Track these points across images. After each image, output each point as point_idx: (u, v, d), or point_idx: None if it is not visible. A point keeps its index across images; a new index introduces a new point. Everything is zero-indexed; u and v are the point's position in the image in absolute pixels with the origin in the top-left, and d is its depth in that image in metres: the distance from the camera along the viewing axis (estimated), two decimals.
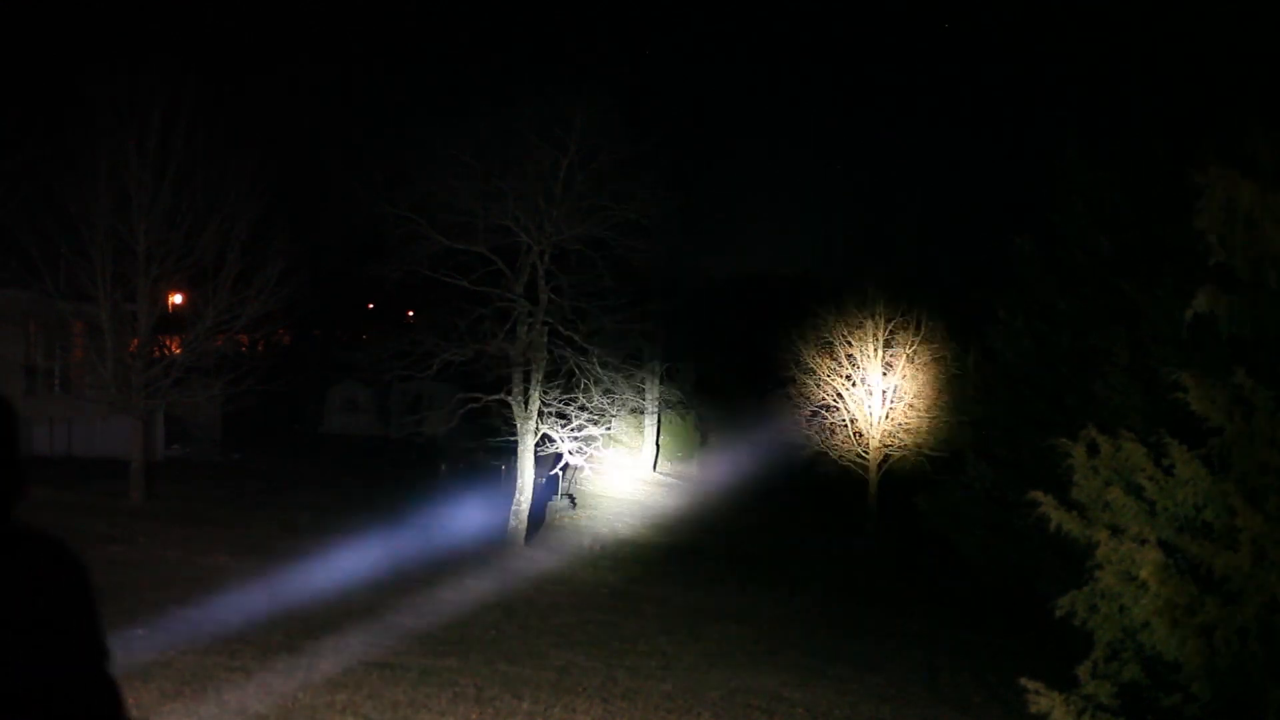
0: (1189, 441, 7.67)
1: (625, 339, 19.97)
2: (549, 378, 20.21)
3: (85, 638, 2.04)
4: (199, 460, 26.00)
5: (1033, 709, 7.82)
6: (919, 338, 27.47)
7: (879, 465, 28.24)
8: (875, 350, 27.88)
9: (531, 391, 19.79)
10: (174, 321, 22.45)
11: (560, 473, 26.05)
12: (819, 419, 29.04)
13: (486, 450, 22.90)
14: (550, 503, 24.98)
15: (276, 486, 23.13)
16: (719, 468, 35.00)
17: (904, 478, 28.97)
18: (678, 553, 22.57)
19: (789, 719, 10.82)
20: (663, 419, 34.26)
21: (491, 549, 19.13)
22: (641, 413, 32.78)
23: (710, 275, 38.44)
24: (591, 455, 20.61)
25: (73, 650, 2.01)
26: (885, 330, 27.86)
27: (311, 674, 9.74)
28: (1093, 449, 8.69)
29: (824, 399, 28.79)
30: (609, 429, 20.85)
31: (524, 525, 20.07)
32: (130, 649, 9.41)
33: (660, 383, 28.74)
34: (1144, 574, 7.45)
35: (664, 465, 34.73)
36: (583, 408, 20.42)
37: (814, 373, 28.81)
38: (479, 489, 24.15)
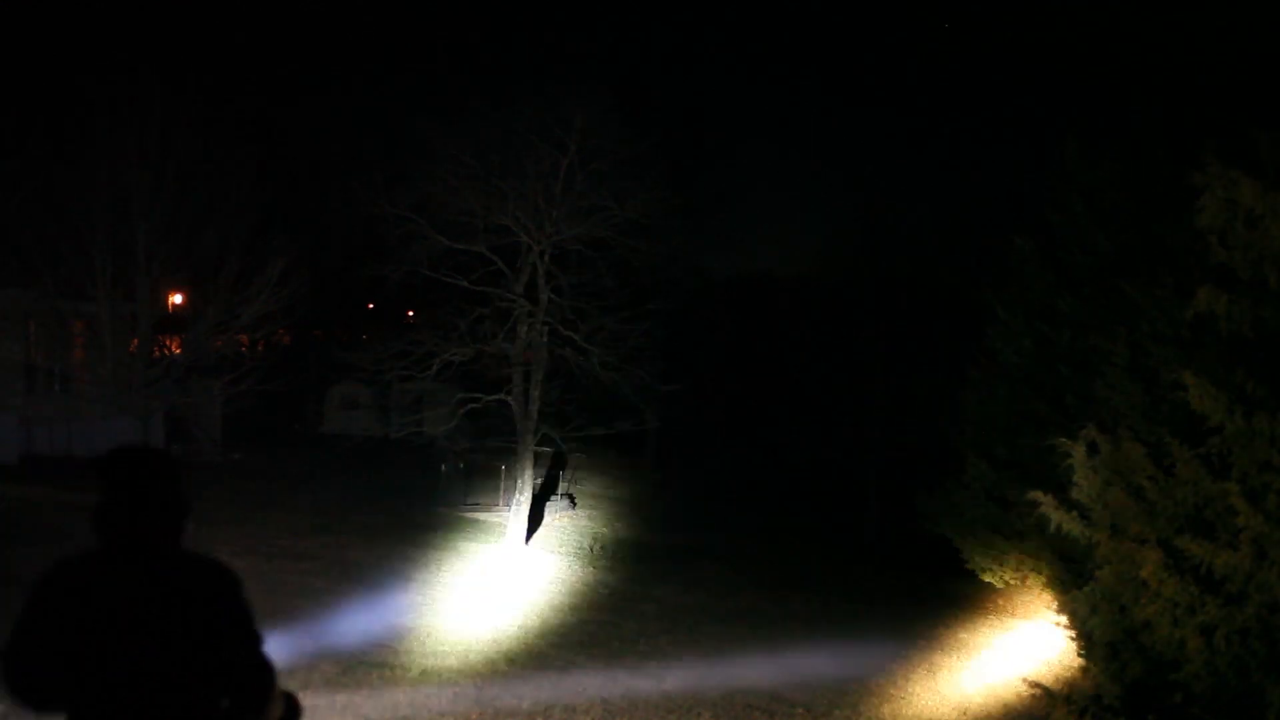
0: (1189, 441, 7.67)
1: (625, 339, 19.93)
2: (549, 378, 20.20)
3: (242, 628, 2.74)
4: (199, 460, 25.97)
5: (1033, 709, 7.83)
6: None
7: (879, 464, 28.20)
8: None
9: (531, 391, 19.78)
10: (174, 321, 22.44)
11: (560, 472, 26.06)
12: (819, 417, 29.02)
13: (486, 450, 22.89)
14: (550, 502, 24.97)
15: (276, 486, 23.12)
16: (717, 466, 35.01)
17: (903, 474, 28.93)
18: (678, 552, 22.56)
19: (789, 719, 10.83)
20: (663, 419, 34.22)
21: (491, 549, 19.13)
22: (642, 412, 32.75)
23: (710, 275, 38.39)
24: (591, 455, 20.61)
25: (235, 637, 2.71)
26: None
27: (311, 674, 9.74)
28: (1093, 449, 8.69)
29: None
30: (609, 429, 20.84)
31: (524, 525, 20.07)
32: None
33: (660, 383, 28.72)
34: (1144, 574, 7.46)
35: (664, 465, 34.71)
36: (583, 408, 20.40)
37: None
38: (478, 489, 24.15)
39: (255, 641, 2.75)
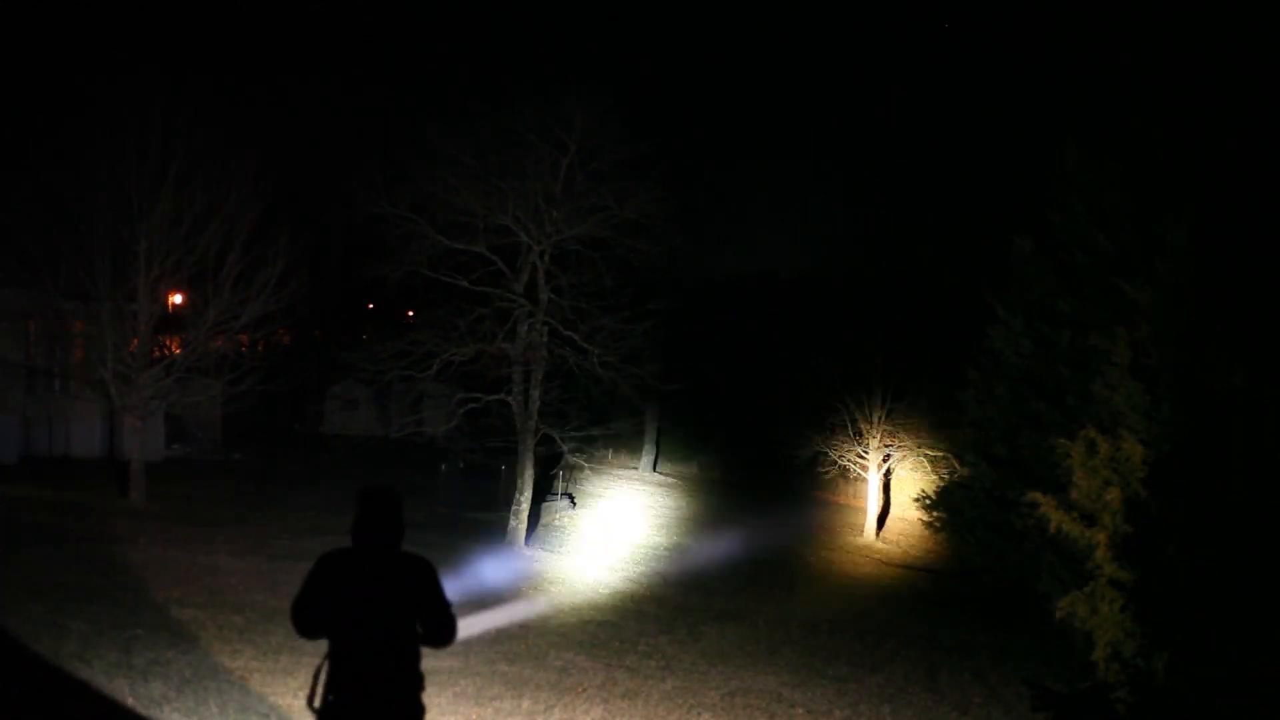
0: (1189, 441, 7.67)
1: (625, 338, 19.94)
2: (549, 378, 20.19)
3: (435, 593, 4.51)
4: (199, 460, 25.98)
5: (1034, 710, 7.82)
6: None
7: (880, 464, 28.26)
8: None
9: (531, 391, 19.78)
10: (174, 321, 22.42)
11: (560, 472, 26.05)
12: (819, 418, 29.02)
13: (486, 450, 22.91)
14: (550, 502, 24.96)
15: (277, 486, 23.13)
16: (719, 468, 35.01)
17: (904, 478, 28.96)
18: (678, 553, 22.57)
19: (789, 719, 10.83)
20: (663, 419, 34.26)
21: (491, 549, 19.13)
22: (642, 412, 32.75)
23: (710, 275, 38.39)
24: (591, 455, 20.60)
25: (434, 606, 4.51)
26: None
27: (309, 676, 9.74)
28: (1092, 449, 8.70)
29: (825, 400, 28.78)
30: (609, 429, 20.83)
31: (524, 525, 20.07)
32: (130, 649, 9.40)
33: (660, 383, 28.76)
34: None
35: (664, 465, 34.73)
36: (583, 408, 20.39)
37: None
38: (478, 488, 24.14)
39: (443, 600, 4.52)
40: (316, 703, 4.61)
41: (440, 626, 4.55)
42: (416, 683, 4.63)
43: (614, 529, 24.10)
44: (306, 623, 4.62)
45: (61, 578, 12.04)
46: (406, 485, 25.07)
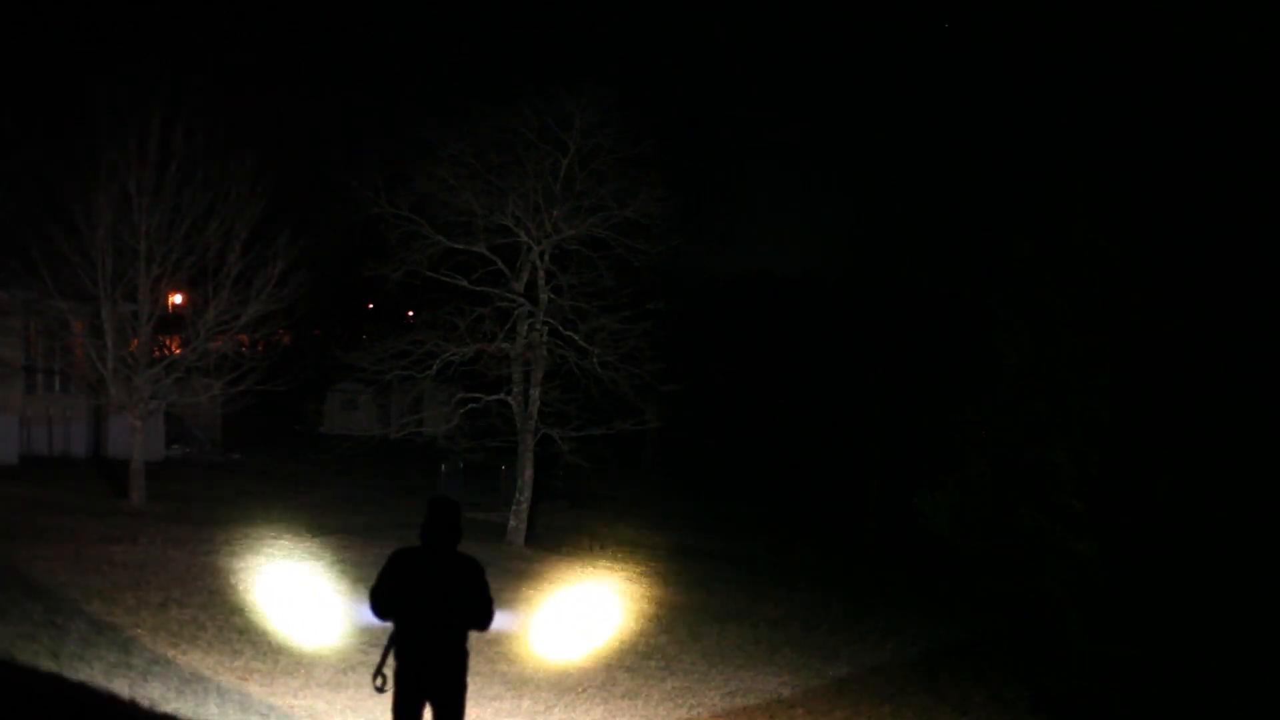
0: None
1: (625, 338, 19.95)
2: (549, 378, 20.19)
3: (484, 593, 5.62)
4: (199, 460, 25.99)
5: (1034, 710, 7.83)
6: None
7: (877, 459, 28.19)
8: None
9: (531, 391, 19.79)
10: (174, 321, 22.43)
11: (560, 472, 26.05)
12: (818, 417, 29.04)
13: (486, 450, 22.93)
14: (549, 502, 24.95)
15: (276, 486, 23.13)
16: (717, 466, 35.00)
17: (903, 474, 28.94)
18: (678, 552, 22.56)
19: (789, 719, 10.82)
20: (663, 419, 34.23)
21: (491, 549, 19.13)
22: (642, 412, 32.72)
23: (710, 275, 38.37)
24: (591, 455, 20.61)
25: (481, 597, 5.60)
26: None
27: (312, 674, 9.74)
28: (1093, 449, 8.69)
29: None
30: (609, 429, 20.84)
31: (524, 525, 20.07)
32: (130, 650, 9.41)
33: (660, 383, 28.65)
34: None
35: (664, 465, 34.74)
36: (583, 408, 20.41)
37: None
38: (478, 488, 24.14)
39: (487, 593, 5.62)
40: (387, 670, 5.54)
41: (482, 614, 5.62)
42: (463, 659, 5.59)
43: (613, 528, 24.09)
44: (381, 606, 5.57)
45: (61, 577, 12.04)
46: (407, 485, 25.22)
